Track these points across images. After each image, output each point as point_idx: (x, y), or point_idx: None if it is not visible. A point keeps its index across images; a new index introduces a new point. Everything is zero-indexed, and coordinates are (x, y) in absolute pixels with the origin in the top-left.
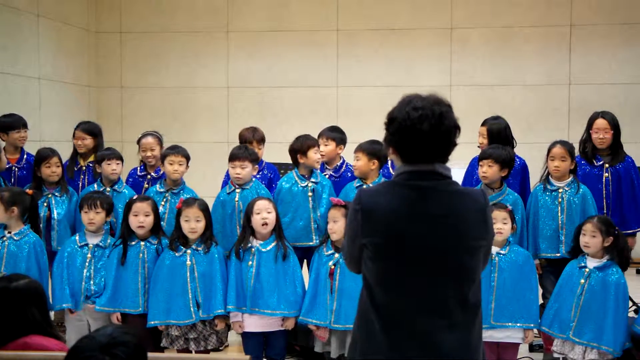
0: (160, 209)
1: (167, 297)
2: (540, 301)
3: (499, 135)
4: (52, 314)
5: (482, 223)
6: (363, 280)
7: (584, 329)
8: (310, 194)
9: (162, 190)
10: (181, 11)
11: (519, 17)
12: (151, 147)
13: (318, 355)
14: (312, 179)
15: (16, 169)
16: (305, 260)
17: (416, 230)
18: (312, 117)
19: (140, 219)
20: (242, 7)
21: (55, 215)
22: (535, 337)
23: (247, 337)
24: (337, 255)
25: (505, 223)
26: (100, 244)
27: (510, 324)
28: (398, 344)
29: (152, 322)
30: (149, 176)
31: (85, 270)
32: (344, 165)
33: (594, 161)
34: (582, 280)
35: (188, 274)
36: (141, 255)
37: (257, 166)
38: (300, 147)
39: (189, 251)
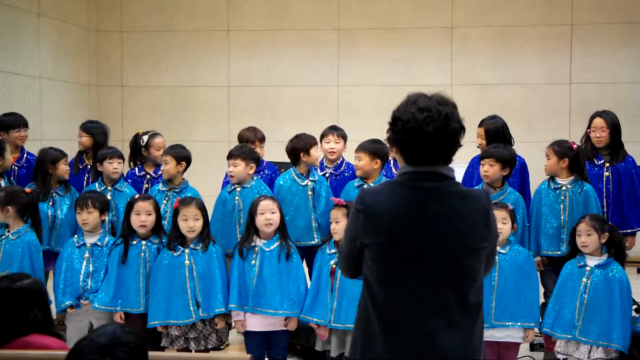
0: (162, 207)
1: (167, 297)
2: (542, 300)
3: (496, 134)
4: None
5: (484, 224)
6: (364, 280)
7: (590, 328)
8: (310, 192)
9: (164, 189)
10: (181, 10)
11: (520, 16)
12: (163, 147)
13: (319, 354)
14: (311, 178)
15: (16, 167)
16: (304, 259)
17: (418, 231)
18: (312, 116)
19: (142, 217)
20: (242, 6)
21: (59, 214)
22: (536, 336)
23: (249, 336)
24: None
25: (504, 223)
26: (98, 242)
27: (510, 323)
28: (398, 344)
29: (152, 323)
30: (148, 176)
31: (83, 269)
32: (344, 164)
33: (595, 160)
34: (585, 279)
35: (187, 273)
36: (142, 254)
37: (253, 165)
38: (304, 145)
39: (187, 250)
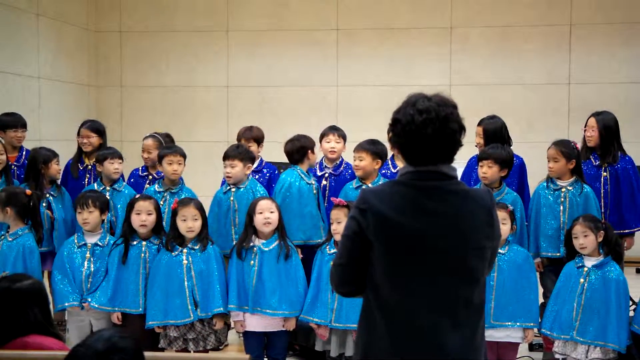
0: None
1: (165, 297)
2: (541, 300)
3: (495, 134)
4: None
5: (487, 223)
6: (368, 279)
7: (587, 328)
8: (315, 191)
9: (160, 190)
10: (181, 10)
11: (519, 17)
12: (149, 150)
13: (318, 354)
14: (313, 178)
15: (15, 167)
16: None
17: (420, 230)
18: (312, 117)
19: (143, 217)
20: (241, 7)
21: (56, 215)
22: (535, 336)
23: (248, 336)
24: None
25: (504, 223)
26: (99, 242)
27: (509, 323)
28: (402, 343)
29: (151, 323)
30: (150, 176)
31: (84, 270)
32: (343, 164)
33: (593, 160)
34: (582, 280)
35: (185, 273)
36: (143, 255)
37: (250, 165)
38: (309, 145)
39: (185, 250)
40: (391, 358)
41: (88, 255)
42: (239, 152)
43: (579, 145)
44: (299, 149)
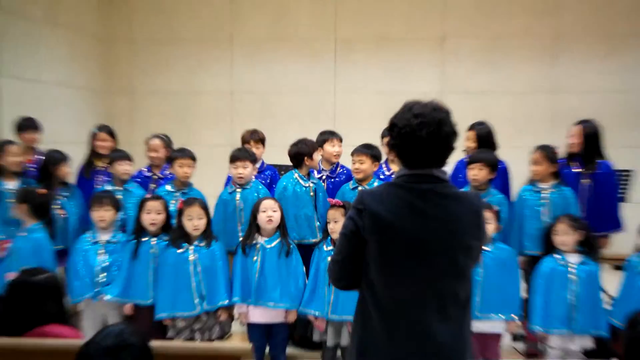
0: (171, 207)
1: (173, 291)
2: (525, 295)
3: (486, 138)
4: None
5: (476, 224)
6: (363, 276)
7: (581, 320)
8: (312, 193)
9: (172, 190)
10: (188, 21)
11: (507, 28)
12: (156, 149)
13: (316, 344)
14: (312, 180)
15: (30, 168)
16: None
17: (414, 230)
18: (311, 121)
19: (153, 216)
20: (245, 17)
21: (67, 212)
22: (517, 327)
23: (251, 327)
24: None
25: (489, 223)
26: (112, 240)
27: (493, 315)
28: (395, 336)
29: (160, 315)
30: (154, 176)
31: (98, 265)
32: (339, 167)
33: (575, 166)
34: (571, 276)
35: (192, 268)
36: (152, 250)
37: (256, 166)
38: (309, 150)
39: (191, 247)
40: (385, 350)
41: (102, 251)
42: (249, 154)
43: (560, 151)
44: (295, 154)
